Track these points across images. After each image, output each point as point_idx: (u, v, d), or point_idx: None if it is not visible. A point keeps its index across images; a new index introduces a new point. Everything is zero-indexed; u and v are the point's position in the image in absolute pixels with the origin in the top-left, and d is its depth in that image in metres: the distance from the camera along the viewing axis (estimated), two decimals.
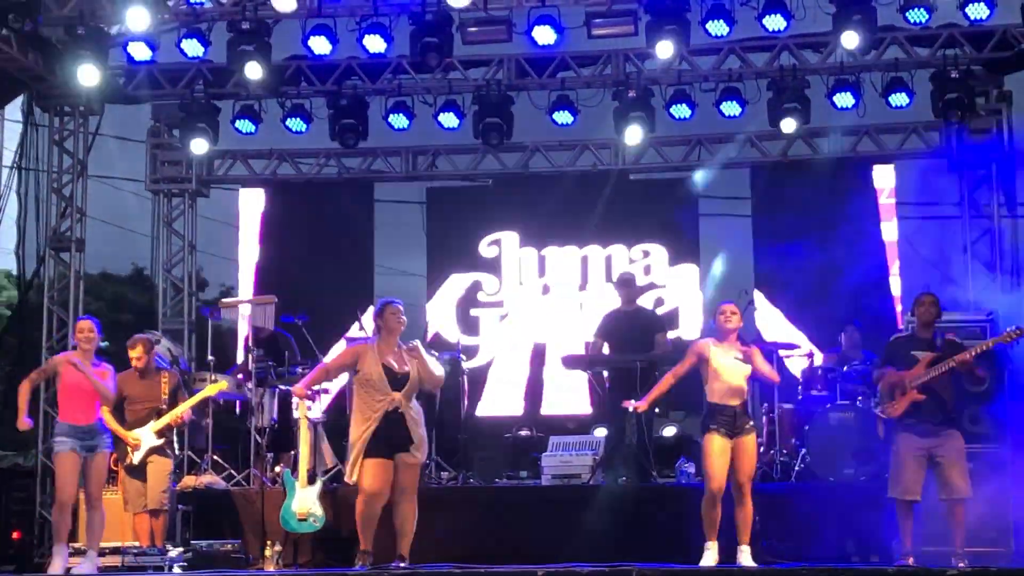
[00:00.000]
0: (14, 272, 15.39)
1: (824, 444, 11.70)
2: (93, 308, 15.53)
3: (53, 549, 10.19)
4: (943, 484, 9.67)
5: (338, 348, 13.49)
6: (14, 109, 15.05)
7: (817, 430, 11.83)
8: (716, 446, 9.57)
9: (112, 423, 10.61)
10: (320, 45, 13.15)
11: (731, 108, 13.87)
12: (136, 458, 10.82)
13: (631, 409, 10.35)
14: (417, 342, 9.76)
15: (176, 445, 11.29)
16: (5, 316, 15.61)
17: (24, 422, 10.23)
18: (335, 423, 12.70)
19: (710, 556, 9.56)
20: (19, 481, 13.74)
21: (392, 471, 9.45)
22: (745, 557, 9.56)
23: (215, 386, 11.64)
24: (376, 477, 9.42)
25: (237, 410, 13.08)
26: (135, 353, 11.11)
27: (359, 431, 9.50)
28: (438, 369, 9.88)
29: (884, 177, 14.94)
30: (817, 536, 10.56)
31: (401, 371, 9.51)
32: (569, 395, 14.95)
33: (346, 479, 9.74)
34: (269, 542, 10.83)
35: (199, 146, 14.55)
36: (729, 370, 9.63)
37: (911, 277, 14.47)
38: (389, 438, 9.43)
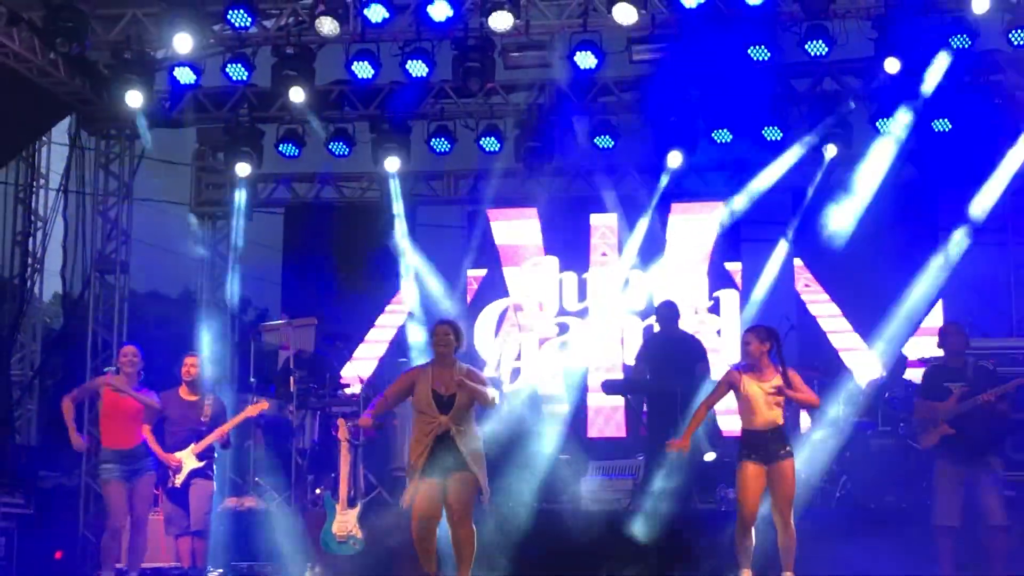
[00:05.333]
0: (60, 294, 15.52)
1: (864, 470, 11.65)
2: (139, 329, 15.64)
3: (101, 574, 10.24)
4: (980, 512, 9.64)
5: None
6: (61, 132, 15.23)
7: (858, 456, 11.79)
8: (749, 473, 9.48)
9: (153, 445, 10.66)
10: (363, 70, 13.24)
11: (772, 133, 13.87)
12: (179, 481, 10.85)
13: (674, 450, 9.99)
14: (468, 367, 9.56)
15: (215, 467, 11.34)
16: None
17: (78, 440, 10.34)
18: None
19: None
20: (62, 502, 13.82)
21: (442, 493, 9.22)
22: None
23: (256, 406, 11.67)
24: (424, 498, 9.21)
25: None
26: (192, 361, 11.14)
27: (414, 455, 9.30)
28: (491, 393, 9.66)
29: None
30: (857, 561, 10.50)
31: (448, 393, 9.26)
32: (611, 419, 14.95)
33: (403, 504, 9.41)
34: (309, 564, 10.86)
35: (243, 169, 14.67)
36: (758, 398, 9.51)
37: (955, 302, 14.33)
38: (441, 460, 9.20)
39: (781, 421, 9.54)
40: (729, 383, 9.69)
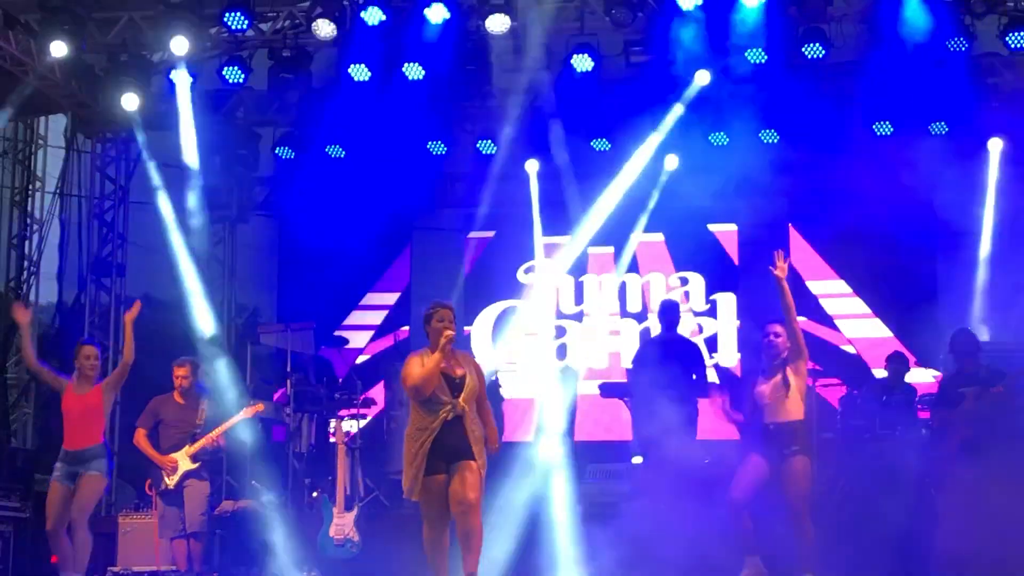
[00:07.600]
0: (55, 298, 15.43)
1: (862, 475, 11.61)
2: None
3: None
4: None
5: None
6: (57, 135, 15.20)
7: (856, 461, 11.75)
8: (749, 462, 9.46)
9: (147, 448, 10.65)
10: (360, 72, 13.23)
11: (770, 136, 13.88)
12: (172, 482, 10.80)
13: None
14: (466, 352, 9.30)
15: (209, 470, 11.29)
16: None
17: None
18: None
19: (749, 572, 9.38)
20: None
21: (448, 486, 8.49)
22: None
23: (251, 408, 11.62)
24: (436, 496, 8.51)
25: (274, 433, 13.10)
26: (182, 372, 11.09)
27: (416, 445, 8.51)
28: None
29: None
30: (856, 566, 10.48)
31: (459, 375, 8.63)
32: (607, 422, 14.93)
33: (406, 495, 8.71)
34: (306, 568, 10.83)
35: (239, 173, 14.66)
36: (771, 391, 9.42)
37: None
38: (448, 449, 8.49)
39: (792, 417, 9.38)
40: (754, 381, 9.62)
